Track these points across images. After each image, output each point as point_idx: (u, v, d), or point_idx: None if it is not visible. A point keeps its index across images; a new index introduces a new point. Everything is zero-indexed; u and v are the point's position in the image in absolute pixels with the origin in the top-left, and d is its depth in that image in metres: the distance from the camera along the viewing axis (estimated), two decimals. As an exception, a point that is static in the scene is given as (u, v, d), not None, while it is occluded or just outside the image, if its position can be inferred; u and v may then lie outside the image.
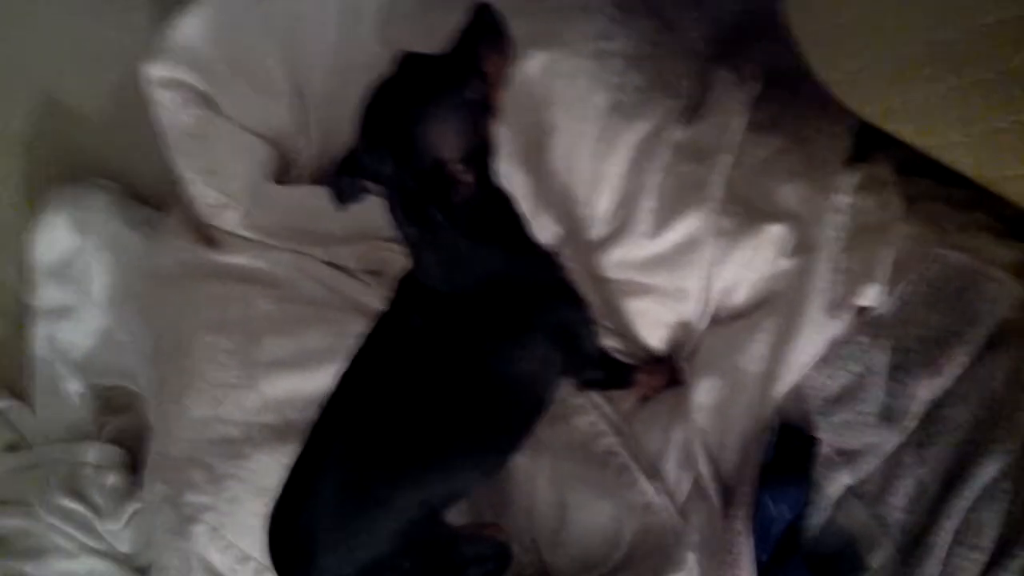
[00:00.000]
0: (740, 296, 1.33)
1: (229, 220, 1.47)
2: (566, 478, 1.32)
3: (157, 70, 1.47)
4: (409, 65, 1.03)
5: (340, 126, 1.51)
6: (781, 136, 1.38)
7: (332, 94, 1.54)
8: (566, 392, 1.34)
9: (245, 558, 1.34)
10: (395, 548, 1.08)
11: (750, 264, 1.31)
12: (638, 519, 1.27)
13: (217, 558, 1.33)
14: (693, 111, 1.41)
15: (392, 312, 1.17)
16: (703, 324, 1.35)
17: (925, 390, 1.23)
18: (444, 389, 1.11)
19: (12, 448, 1.83)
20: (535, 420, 1.19)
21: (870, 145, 1.42)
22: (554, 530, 1.30)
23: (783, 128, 1.39)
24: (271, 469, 1.33)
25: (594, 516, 1.29)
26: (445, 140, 0.98)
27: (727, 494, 1.27)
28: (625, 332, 1.38)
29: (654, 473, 1.30)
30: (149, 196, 1.81)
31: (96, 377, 1.79)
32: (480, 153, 1.03)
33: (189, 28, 1.48)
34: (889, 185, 1.34)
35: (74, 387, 1.78)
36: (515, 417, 1.18)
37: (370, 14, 1.54)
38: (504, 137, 1.35)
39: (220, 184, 1.46)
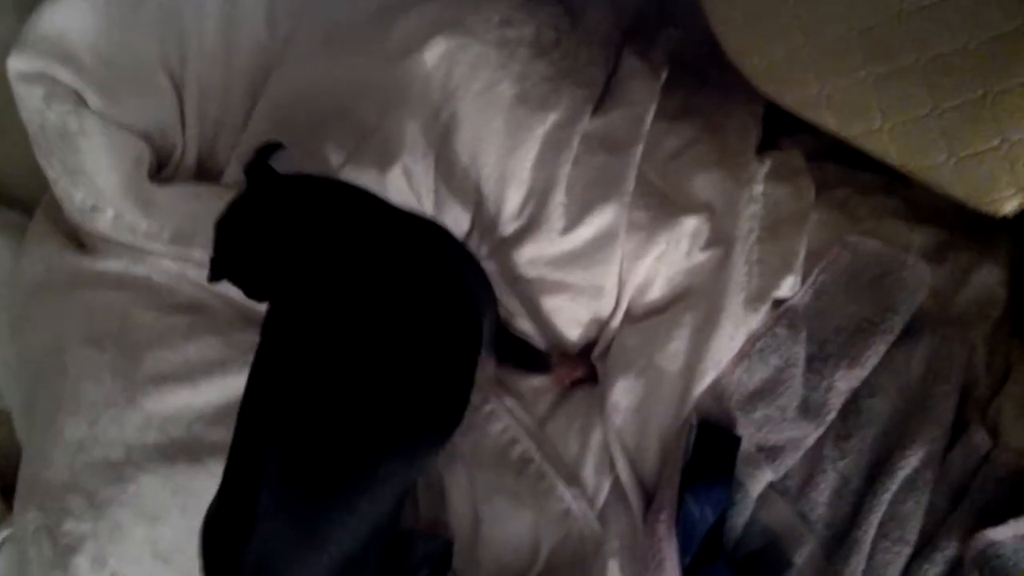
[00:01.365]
0: (655, 291, 1.28)
1: (101, 223, 1.34)
2: (480, 489, 1.24)
3: (21, 63, 1.33)
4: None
5: (223, 118, 1.43)
6: (691, 125, 1.34)
7: (213, 84, 1.43)
8: (477, 400, 1.26)
9: None
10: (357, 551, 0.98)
11: (664, 258, 1.26)
12: (557, 528, 1.20)
13: None
14: (601, 101, 1.36)
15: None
16: (616, 321, 1.30)
17: (844, 381, 1.21)
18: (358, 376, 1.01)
19: None
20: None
21: (777, 131, 1.40)
22: (468, 545, 1.22)
23: (692, 117, 1.36)
24: (156, 492, 1.23)
25: (510, 528, 1.21)
26: None
27: (648, 497, 1.21)
28: (544, 329, 1.32)
29: (572, 479, 1.23)
30: (16, 200, 1.65)
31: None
32: None
33: (56, 18, 1.34)
34: (801, 172, 1.32)
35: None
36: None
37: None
38: (409, 129, 1.30)
39: (89, 184, 1.33)
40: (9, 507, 1.50)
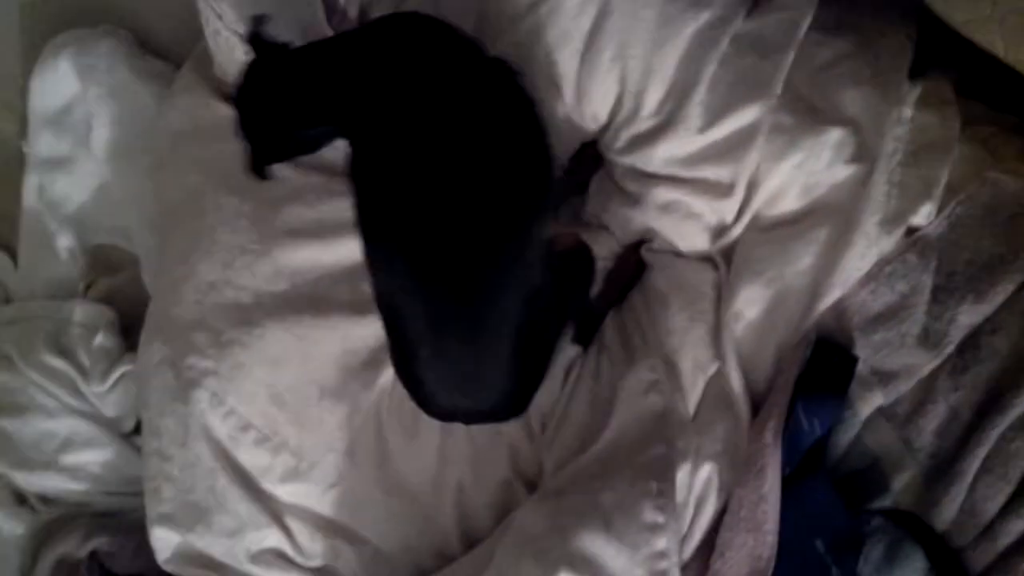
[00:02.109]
0: (789, 201, 1.26)
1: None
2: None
3: None
4: None
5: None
6: (845, 39, 1.29)
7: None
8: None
9: (246, 426, 1.29)
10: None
11: (803, 166, 1.24)
12: (639, 399, 1.23)
13: (217, 425, 1.28)
14: (755, 3, 1.32)
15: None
16: (739, 226, 1.29)
17: (966, 315, 1.19)
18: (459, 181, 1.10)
19: (-9, 300, 1.76)
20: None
21: (925, 60, 1.36)
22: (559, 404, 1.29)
23: (847, 31, 1.31)
24: (279, 339, 1.29)
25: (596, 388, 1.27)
26: None
27: (753, 407, 1.23)
28: (667, 229, 1.32)
29: (667, 359, 1.25)
30: (162, 50, 1.70)
31: (88, 233, 1.70)
32: None
33: None
34: (949, 102, 1.28)
35: (64, 242, 1.69)
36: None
37: None
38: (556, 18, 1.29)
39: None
40: (129, 346, 1.60)
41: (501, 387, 1.19)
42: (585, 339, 1.35)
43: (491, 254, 1.10)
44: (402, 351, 1.19)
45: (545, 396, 1.29)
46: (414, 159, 1.10)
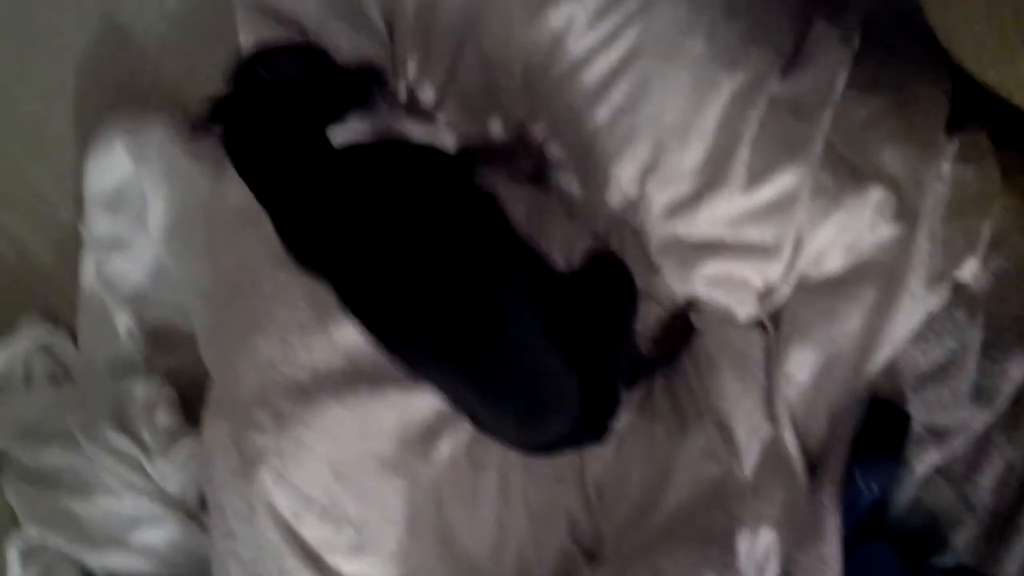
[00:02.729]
0: (833, 261, 1.28)
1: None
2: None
3: None
4: None
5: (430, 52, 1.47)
6: (881, 97, 1.31)
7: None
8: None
9: (309, 502, 1.31)
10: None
11: (847, 226, 1.26)
12: (697, 465, 1.24)
13: (281, 502, 1.30)
14: (790, 64, 1.35)
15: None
16: (786, 288, 1.30)
17: (1018, 370, 1.20)
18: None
19: (54, 381, 1.81)
20: None
21: (960, 113, 1.37)
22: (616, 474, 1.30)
23: (882, 89, 1.33)
24: (337, 415, 1.31)
25: (651, 453, 1.28)
26: None
27: (811, 468, 1.23)
28: (697, 295, 1.34)
29: (722, 424, 1.26)
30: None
31: (146, 312, 1.75)
32: None
33: None
34: (987, 155, 1.29)
35: (123, 321, 1.74)
36: None
37: None
38: (594, 87, 1.33)
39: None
40: (190, 422, 1.64)
41: (566, 402, 1.19)
42: (633, 380, 1.36)
43: (467, 286, 1.14)
44: (465, 405, 1.25)
45: (599, 464, 1.31)
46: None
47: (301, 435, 1.31)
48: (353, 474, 1.32)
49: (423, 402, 1.33)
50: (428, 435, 1.35)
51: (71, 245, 1.79)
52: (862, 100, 1.31)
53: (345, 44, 1.40)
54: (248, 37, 1.44)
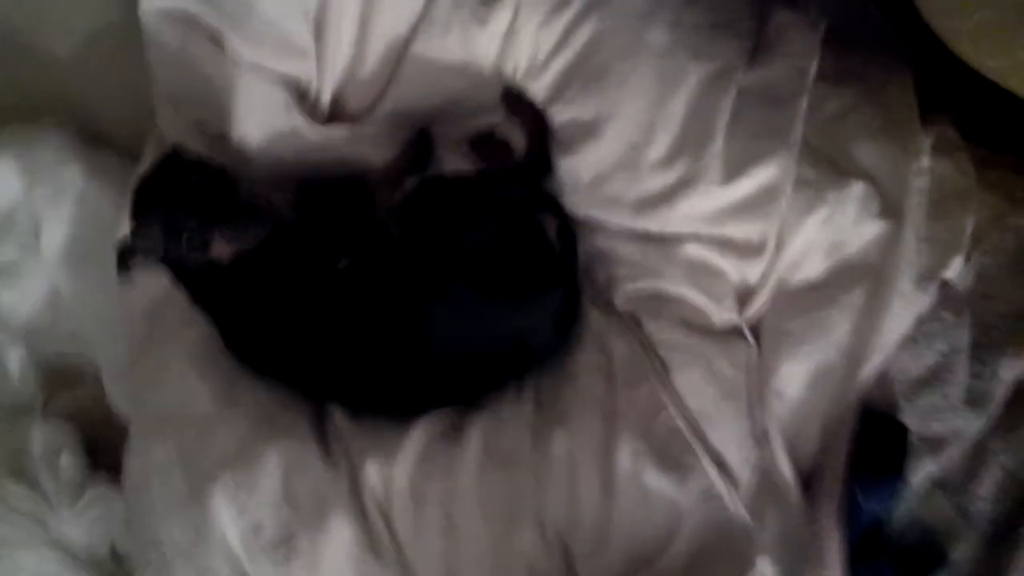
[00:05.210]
0: (813, 265, 1.20)
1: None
2: (615, 459, 1.15)
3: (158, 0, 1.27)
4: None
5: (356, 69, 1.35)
6: (850, 88, 1.25)
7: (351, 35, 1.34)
8: (624, 359, 1.20)
9: (258, 527, 1.17)
10: None
11: (829, 222, 1.18)
12: (698, 509, 1.12)
13: (231, 527, 1.16)
14: (755, 52, 1.27)
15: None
16: (764, 292, 1.21)
17: (1008, 370, 1.15)
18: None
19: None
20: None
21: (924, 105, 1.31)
22: (597, 525, 1.15)
23: (850, 79, 1.26)
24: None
25: (647, 504, 1.14)
26: None
27: (805, 489, 1.15)
28: (693, 290, 1.23)
29: (717, 458, 1.15)
30: (112, 142, 1.57)
31: (40, 345, 1.56)
32: None
33: None
34: (960, 148, 1.24)
35: (14, 356, 1.54)
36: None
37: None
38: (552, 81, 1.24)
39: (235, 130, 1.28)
40: (96, 464, 1.47)
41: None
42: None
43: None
44: None
45: (564, 509, 1.17)
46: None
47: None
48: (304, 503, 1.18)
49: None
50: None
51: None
52: (831, 92, 1.25)
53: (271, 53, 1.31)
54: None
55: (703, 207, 1.21)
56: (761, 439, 1.16)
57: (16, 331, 1.54)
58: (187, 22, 1.27)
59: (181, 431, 1.22)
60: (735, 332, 1.21)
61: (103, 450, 1.51)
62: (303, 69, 1.33)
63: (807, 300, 1.19)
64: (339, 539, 1.17)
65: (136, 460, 1.25)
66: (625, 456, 1.14)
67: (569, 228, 1.24)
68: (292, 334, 1.23)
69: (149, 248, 1.12)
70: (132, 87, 1.44)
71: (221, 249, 1.12)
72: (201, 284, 1.22)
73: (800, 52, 1.24)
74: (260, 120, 1.29)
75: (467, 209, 1.23)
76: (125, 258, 1.14)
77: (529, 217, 1.23)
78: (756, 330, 1.22)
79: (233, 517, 1.16)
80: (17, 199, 1.50)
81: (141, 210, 1.12)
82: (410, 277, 1.20)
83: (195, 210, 1.10)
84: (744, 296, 1.23)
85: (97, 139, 1.56)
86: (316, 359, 1.23)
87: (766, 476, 1.15)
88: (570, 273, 1.23)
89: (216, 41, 1.28)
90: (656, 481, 1.13)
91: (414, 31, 1.31)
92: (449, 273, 1.19)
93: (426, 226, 1.22)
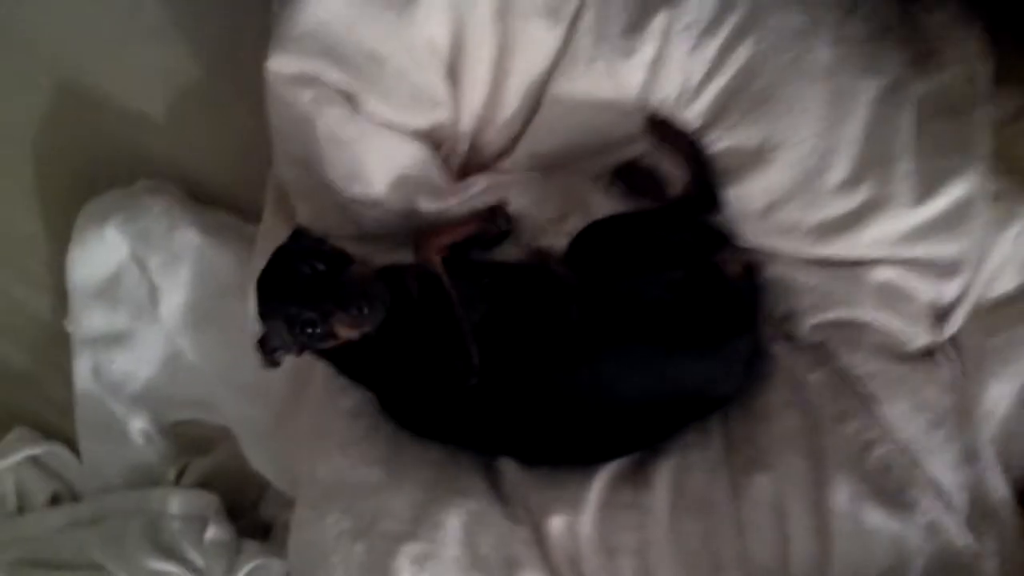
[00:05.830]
0: (1004, 282, 1.17)
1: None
2: (830, 500, 1.12)
3: (284, 64, 1.19)
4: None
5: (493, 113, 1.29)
6: (1017, 87, 1.20)
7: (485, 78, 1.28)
8: (823, 394, 1.17)
9: None
10: None
11: (1022, 236, 1.14)
12: (925, 543, 1.10)
13: None
14: (920, 61, 1.21)
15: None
16: (962, 311, 1.17)
17: None
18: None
19: (56, 500, 1.55)
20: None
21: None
22: (816, 566, 1.13)
23: (1012, 78, 1.21)
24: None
25: (870, 544, 1.12)
26: None
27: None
28: (866, 318, 1.19)
29: (936, 487, 1.12)
30: (214, 200, 1.51)
31: (163, 412, 1.52)
32: None
33: (319, 12, 1.18)
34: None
35: (136, 425, 1.50)
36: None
37: None
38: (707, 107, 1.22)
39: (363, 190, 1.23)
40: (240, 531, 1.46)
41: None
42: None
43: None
44: None
45: (771, 553, 1.14)
46: None
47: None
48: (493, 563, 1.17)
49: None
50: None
51: (52, 347, 1.54)
52: (1003, 94, 1.19)
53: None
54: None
55: (894, 229, 1.16)
56: (971, 458, 1.13)
57: (135, 399, 1.50)
58: (316, 83, 1.20)
59: (354, 501, 1.19)
60: (933, 353, 1.18)
61: (242, 515, 1.49)
62: (437, 119, 1.27)
63: (1004, 316, 1.16)
64: None
65: (307, 533, 1.21)
66: (840, 495, 1.11)
67: (754, 270, 1.20)
68: (459, 393, 1.18)
69: (279, 345, 1.09)
70: (227, 144, 1.45)
71: (348, 333, 1.09)
72: (345, 360, 1.20)
73: (967, 57, 1.19)
74: (395, 179, 1.24)
75: (642, 255, 1.18)
76: (266, 353, 1.10)
77: (707, 260, 1.19)
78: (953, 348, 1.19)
79: None
80: (124, 264, 1.45)
81: (263, 310, 1.09)
82: (588, 329, 1.16)
83: (311, 303, 1.05)
84: (939, 315, 1.19)
85: (196, 198, 1.50)
86: (488, 414, 1.20)
87: (980, 497, 1.12)
88: (754, 318, 1.20)
89: (346, 100, 1.21)
90: (877, 519, 1.10)
91: (553, 70, 1.25)
92: (629, 326, 1.15)
93: (601, 274, 1.18)
